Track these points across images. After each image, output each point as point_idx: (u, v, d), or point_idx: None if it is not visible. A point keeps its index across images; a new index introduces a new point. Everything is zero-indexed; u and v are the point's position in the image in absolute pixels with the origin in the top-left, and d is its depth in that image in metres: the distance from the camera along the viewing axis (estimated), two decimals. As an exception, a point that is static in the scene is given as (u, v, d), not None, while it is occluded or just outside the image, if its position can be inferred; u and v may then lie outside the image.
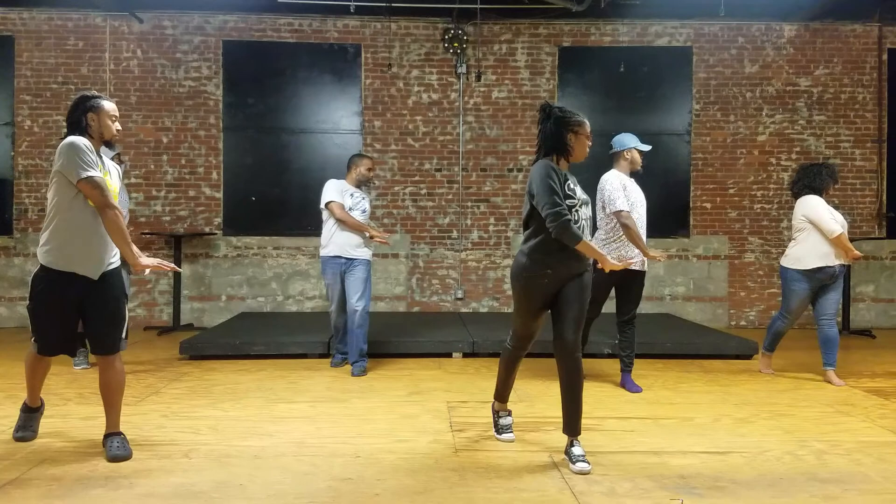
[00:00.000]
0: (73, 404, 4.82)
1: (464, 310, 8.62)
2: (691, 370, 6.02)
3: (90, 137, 3.73)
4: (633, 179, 5.40)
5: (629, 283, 5.29)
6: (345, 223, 5.81)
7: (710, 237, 8.79)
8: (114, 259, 3.80)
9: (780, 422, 4.49)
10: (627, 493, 3.26)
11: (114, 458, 3.63)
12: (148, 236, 8.45)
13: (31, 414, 4.01)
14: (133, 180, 8.53)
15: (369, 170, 6.05)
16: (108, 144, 3.84)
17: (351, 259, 5.87)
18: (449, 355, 6.51)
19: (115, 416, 3.78)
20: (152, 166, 8.56)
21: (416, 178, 8.66)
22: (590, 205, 3.86)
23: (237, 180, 8.60)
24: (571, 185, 3.74)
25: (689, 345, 6.63)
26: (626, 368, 5.41)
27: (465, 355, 6.55)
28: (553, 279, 3.71)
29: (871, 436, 4.20)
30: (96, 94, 3.86)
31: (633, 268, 5.21)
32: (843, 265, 5.56)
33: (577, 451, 3.62)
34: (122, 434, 3.78)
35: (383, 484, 3.36)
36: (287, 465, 3.60)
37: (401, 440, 3.95)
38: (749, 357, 6.47)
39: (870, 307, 8.81)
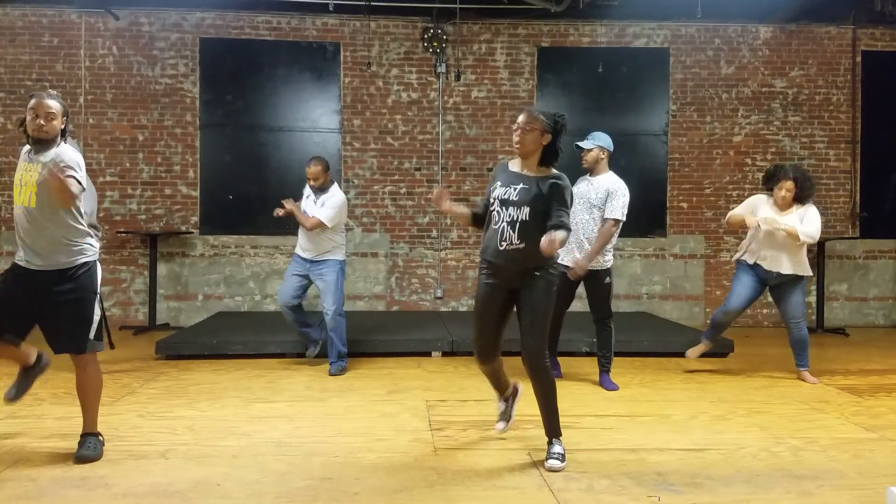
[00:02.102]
0: (47, 404, 4.76)
1: (443, 309, 8.62)
2: (668, 368, 6.07)
3: (25, 135, 3.64)
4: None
5: (588, 283, 5.30)
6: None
7: (687, 236, 8.86)
8: (79, 258, 3.65)
9: (756, 419, 4.54)
10: (605, 490, 3.28)
11: (80, 458, 3.58)
12: (123, 235, 8.37)
13: (25, 373, 3.94)
14: (108, 178, 8.43)
15: (308, 175, 5.85)
16: (40, 141, 3.63)
17: (317, 261, 5.81)
18: (428, 354, 6.51)
19: (88, 417, 3.73)
20: (128, 164, 8.47)
21: (396, 178, 8.65)
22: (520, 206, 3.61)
23: (214, 178, 8.53)
24: (498, 185, 3.70)
25: (666, 343, 6.68)
26: (604, 369, 5.44)
27: (445, 354, 6.55)
28: (498, 278, 3.68)
29: (846, 432, 4.26)
30: (36, 91, 3.74)
31: (591, 267, 5.20)
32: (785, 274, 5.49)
33: (554, 448, 3.64)
34: (98, 435, 3.73)
35: (362, 483, 3.35)
36: (265, 465, 3.58)
37: (380, 439, 3.94)
38: (725, 355, 6.53)
39: (843, 306, 8.93)
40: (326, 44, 8.65)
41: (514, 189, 3.61)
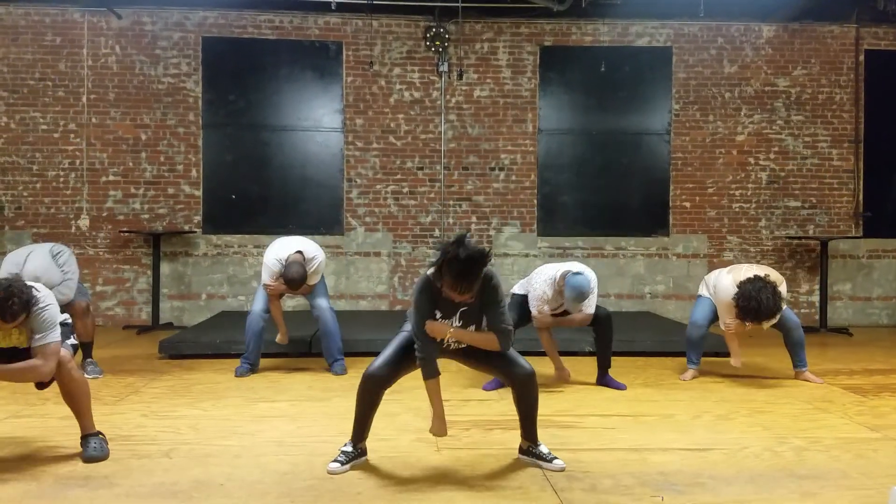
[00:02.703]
0: (51, 404, 4.76)
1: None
2: (671, 368, 6.06)
3: None
4: None
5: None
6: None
7: (690, 236, 8.85)
8: None
9: (759, 419, 4.53)
10: (608, 490, 3.28)
11: (89, 459, 3.58)
12: (126, 234, 8.38)
13: None
14: (111, 178, 8.45)
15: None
16: None
17: None
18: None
19: (85, 420, 3.70)
20: (131, 164, 8.47)
21: (398, 177, 8.65)
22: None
23: (217, 178, 8.54)
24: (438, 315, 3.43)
25: (669, 342, 6.66)
26: (604, 368, 5.42)
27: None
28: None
29: (849, 432, 4.25)
30: None
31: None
32: None
33: (544, 449, 3.61)
34: (100, 434, 3.72)
35: (365, 483, 3.35)
36: (268, 465, 3.58)
37: (382, 439, 3.94)
38: (728, 355, 6.51)
39: (847, 305, 8.91)
40: (329, 43, 8.65)
41: (456, 317, 3.43)
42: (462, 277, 3.16)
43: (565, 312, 5.15)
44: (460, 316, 3.44)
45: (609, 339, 5.35)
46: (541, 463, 3.57)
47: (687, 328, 5.83)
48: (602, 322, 5.28)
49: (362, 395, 3.55)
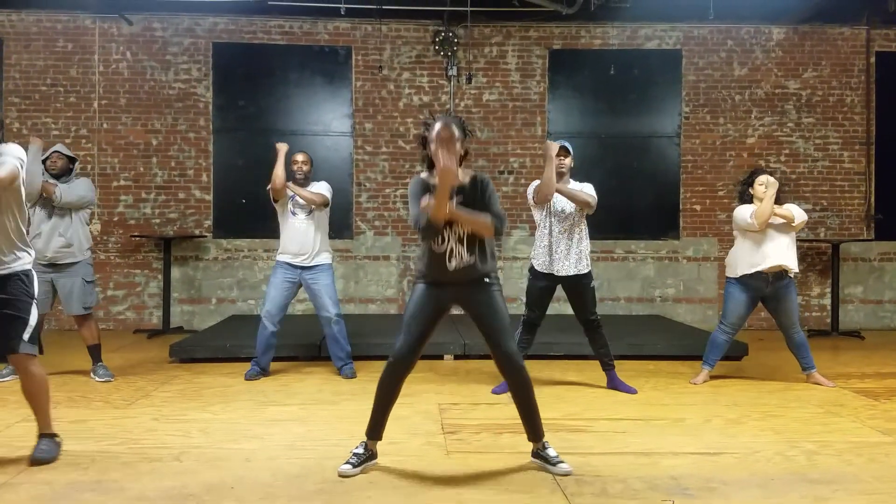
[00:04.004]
0: (62, 407, 4.78)
1: (455, 312, 8.58)
2: (682, 371, 6.03)
3: None
4: None
5: (570, 287, 5.26)
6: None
7: (700, 239, 8.82)
8: (11, 263, 3.61)
9: (770, 423, 4.51)
10: (619, 494, 3.27)
11: (34, 462, 3.58)
12: (137, 239, 8.42)
13: None
14: (122, 182, 8.49)
15: (296, 160, 5.87)
16: None
17: (310, 266, 5.76)
18: (440, 357, 6.50)
19: (41, 419, 3.71)
20: (142, 169, 8.52)
21: (407, 181, 8.62)
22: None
23: (227, 182, 8.57)
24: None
25: (680, 346, 6.65)
26: (608, 368, 5.41)
27: (457, 357, 6.55)
28: (445, 292, 3.59)
29: (861, 436, 4.22)
30: None
31: (561, 273, 5.17)
32: (783, 272, 5.41)
33: (551, 452, 3.60)
34: (54, 436, 3.72)
35: (375, 486, 3.36)
36: (278, 468, 3.59)
37: (392, 442, 3.93)
38: (739, 359, 6.50)
39: (858, 308, 8.86)
40: (338, 48, 8.67)
41: (453, 203, 3.45)
42: (443, 121, 3.42)
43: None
44: (457, 206, 3.46)
45: (604, 340, 5.34)
46: (547, 466, 3.57)
47: (717, 329, 5.68)
48: (593, 327, 5.29)
49: (388, 382, 3.61)
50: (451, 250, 3.52)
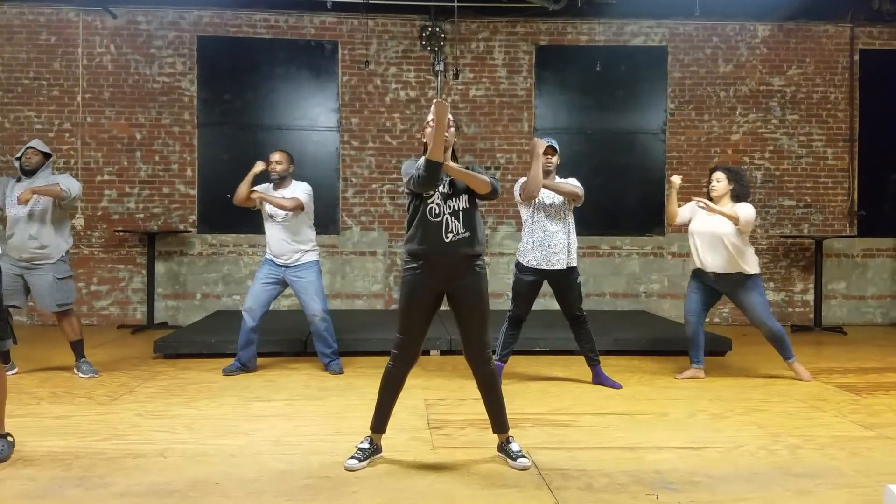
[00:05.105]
0: (46, 403, 4.76)
1: (442, 308, 8.60)
2: (667, 366, 6.07)
3: None
4: None
5: (558, 282, 5.28)
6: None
7: (685, 235, 8.77)
8: None
9: (754, 417, 4.54)
10: (604, 488, 3.29)
11: None
12: (121, 234, 8.36)
13: None
14: (106, 177, 8.43)
15: (272, 160, 5.84)
16: None
17: (294, 265, 5.74)
18: (427, 353, 6.50)
19: None
20: (125, 163, 8.46)
21: (394, 176, 8.65)
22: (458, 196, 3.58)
23: (212, 177, 8.52)
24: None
25: (665, 341, 6.68)
26: (593, 363, 5.44)
27: (443, 353, 6.55)
28: (435, 276, 3.60)
29: (844, 431, 4.26)
30: None
31: (556, 267, 5.19)
32: (724, 274, 5.49)
33: (514, 447, 3.64)
34: (9, 436, 3.68)
35: (361, 482, 3.36)
36: (264, 464, 3.58)
37: (379, 437, 3.94)
38: (723, 353, 6.54)
39: (841, 304, 8.94)
40: (324, 42, 8.64)
41: (447, 180, 3.57)
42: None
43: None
44: (451, 182, 3.57)
45: (589, 336, 5.37)
46: (507, 460, 3.60)
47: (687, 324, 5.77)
48: (578, 323, 5.32)
49: (392, 376, 3.67)
50: (447, 223, 3.54)
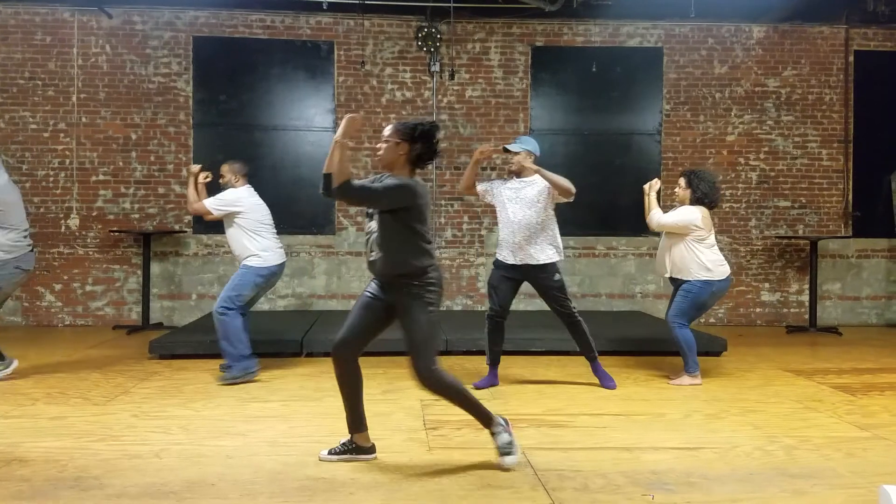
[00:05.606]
0: (41, 404, 4.74)
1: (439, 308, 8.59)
2: (662, 367, 6.07)
3: None
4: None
5: (533, 279, 5.28)
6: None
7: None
8: None
9: (749, 418, 4.55)
10: (600, 489, 3.29)
11: None
12: (116, 234, 8.34)
13: None
14: (101, 177, 8.41)
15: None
16: None
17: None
18: (422, 353, 6.49)
19: None
20: (121, 163, 8.44)
21: (390, 177, 8.62)
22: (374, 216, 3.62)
23: (208, 178, 8.49)
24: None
25: (660, 342, 6.68)
26: (591, 359, 5.42)
27: (439, 354, 6.52)
28: (381, 289, 3.64)
29: (839, 431, 4.27)
30: None
31: (525, 262, 5.20)
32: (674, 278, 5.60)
33: (503, 438, 3.61)
34: None
35: (357, 483, 3.35)
36: (260, 465, 3.57)
37: (375, 438, 3.92)
38: (718, 354, 6.55)
39: (836, 305, 8.96)
40: (320, 42, 8.63)
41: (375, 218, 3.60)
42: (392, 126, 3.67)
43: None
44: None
45: (583, 331, 5.33)
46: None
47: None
48: (570, 321, 5.29)
49: (338, 372, 3.63)
50: (369, 242, 3.62)
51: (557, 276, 5.26)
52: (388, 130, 3.61)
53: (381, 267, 3.57)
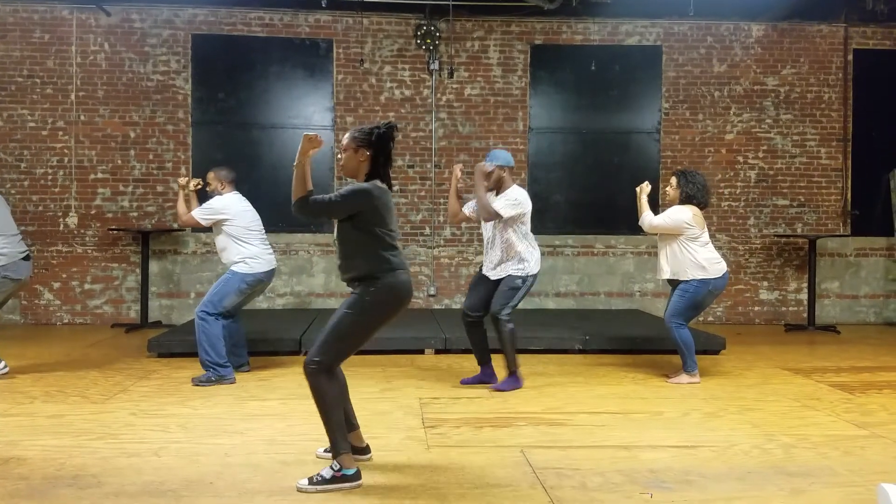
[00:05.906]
0: (39, 402, 4.74)
1: (436, 306, 8.62)
2: (661, 365, 6.07)
3: None
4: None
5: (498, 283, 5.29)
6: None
7: (680, 234, 8.85)
8: None
9: (747, 416, 4.55)
10: (598, 488, 3.29)
11: None
12: (115, 232, 8.33)
13: None
14: (100, 175, 8.40)
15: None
16: None
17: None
18: (421, 352, 6.50)
19: None
20: (119, 161, 8.43)
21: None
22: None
23: (206, 176, 8.47)
24: None
25: (659, 340, 6.68)
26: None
27: (438, 352, 6.55)
28: None
29: (837, 430, 4.28)
30: None
31: (503, 276, 5.21)
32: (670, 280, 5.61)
33: (324, 471, 3.32)
34: None
35: (356, 480, 3.35)
36: (258, 463, 3.57)
37: (373, 437, 3.93)
38: (716, 352, 6.56)
39: (835, 303, 8.96)
40: (319, 40, 8.62)
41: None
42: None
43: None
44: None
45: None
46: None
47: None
48: (496, 322, 5.17)
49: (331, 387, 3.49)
50: (337, 248, 3.62)
51: (518, 283, 5.18)
52: (346, 139, 3.60)
53: (340, 271, 3.58)
